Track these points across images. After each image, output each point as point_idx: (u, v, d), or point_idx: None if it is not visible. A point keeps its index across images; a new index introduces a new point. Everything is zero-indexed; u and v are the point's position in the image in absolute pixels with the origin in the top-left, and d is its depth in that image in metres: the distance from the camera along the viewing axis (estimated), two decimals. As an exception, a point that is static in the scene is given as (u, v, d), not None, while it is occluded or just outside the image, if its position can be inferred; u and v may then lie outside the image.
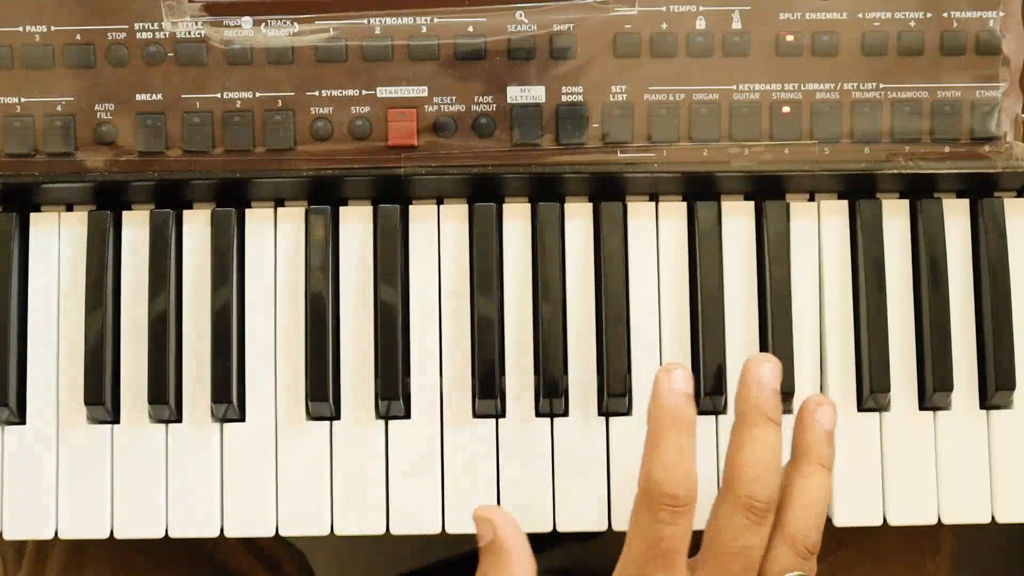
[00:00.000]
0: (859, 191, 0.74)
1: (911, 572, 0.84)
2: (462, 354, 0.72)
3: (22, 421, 0.72)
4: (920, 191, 0.74)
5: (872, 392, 0.72)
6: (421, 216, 0.73)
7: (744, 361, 0.69)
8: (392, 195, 0.73)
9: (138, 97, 0.71)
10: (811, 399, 0.66)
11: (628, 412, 0.72)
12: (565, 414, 0.72)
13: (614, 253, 0.72)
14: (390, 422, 0.72)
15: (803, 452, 0.66)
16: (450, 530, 0.72)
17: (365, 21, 0.71)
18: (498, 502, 0.72)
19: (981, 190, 0.74)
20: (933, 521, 0.72)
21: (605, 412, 0.72)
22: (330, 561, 1.04)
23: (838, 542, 0.82)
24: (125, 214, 0.73)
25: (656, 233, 0.73)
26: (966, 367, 0.73)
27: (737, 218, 0.73)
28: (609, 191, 0.73)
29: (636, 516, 0.64)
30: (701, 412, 0.72)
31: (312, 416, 0.72)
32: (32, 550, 0.84)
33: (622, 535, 0.71)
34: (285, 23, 0.71)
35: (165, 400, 0.71)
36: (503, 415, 0.72)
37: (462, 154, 0.71)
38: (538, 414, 0.72)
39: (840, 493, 0.72)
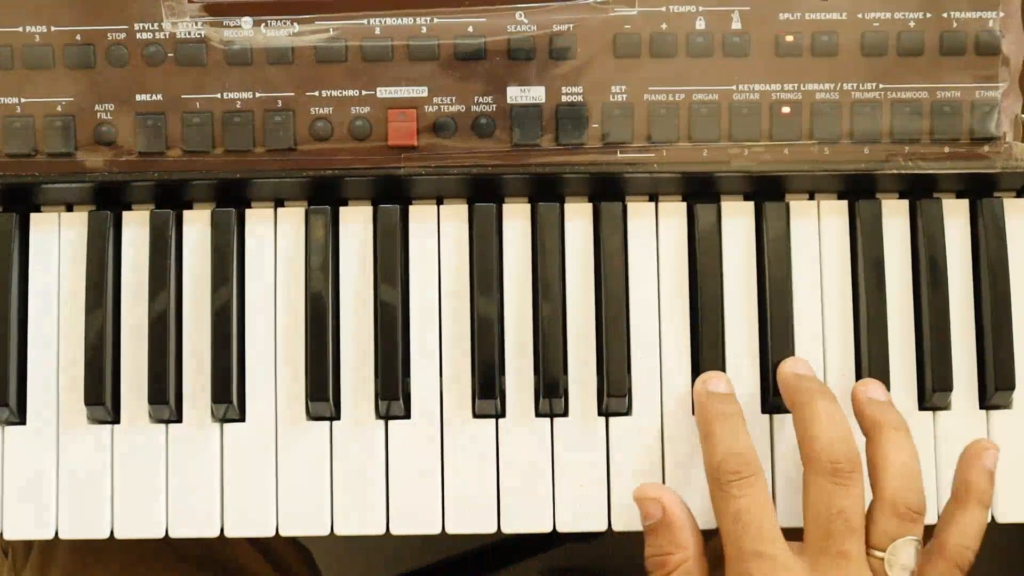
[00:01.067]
0: (859, 191, 0.74)
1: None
2: (462, 354, 0.72)
3: (22, 421, 0.72)
4: (920, 191, 0.74)
5: (872, 392, 0.72)
6: (421, 216, 0.73)
7: (745, 361, 0.70)
8: (392, 195, 0.73)
9: (138, 97, 0.71)
10: (857, 384, 0.71)
11: (628, 412, 0.72)
12: (565, 414, 0.72)
13: (614, 253, 0.72)
14: (390, 422, 0.72)
15: (872, 424, 0.68)
16: (450, 530, 0.72)
17: (365, 21, 0.71)
18: (498, 502, 0.72)
19: (981, 190, 0.74)
20: (932, 521, 0.72)
21: (605, 412, 0.72)
22: (331, 560, 1.04)
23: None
24: (125, 214, 0.73)
25: (656, 233, 0.73)
26: (966, 367, 0.73)
27: (737, 218, 0.73)
28: (609, 191, 0.73)
29: (715, 505, 0.67)
30: (701, 412, 0.72)
31: (312, 416, 0.72)
32: (38, 548, 0.84)
33: (622, 535, 0.72)
34: (285, 23, 0.71)
35: (165, 400, 0.71)
36: (503, 415, 0.72)
37: (462, 154, 0.71)
38: (538, 414, 0.72)
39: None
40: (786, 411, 0.72)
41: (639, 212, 0.73)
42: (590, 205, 0.73)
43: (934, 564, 0.67)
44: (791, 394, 0.69)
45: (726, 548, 0.66)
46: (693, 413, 0.71)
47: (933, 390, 0.72)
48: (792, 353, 0.72)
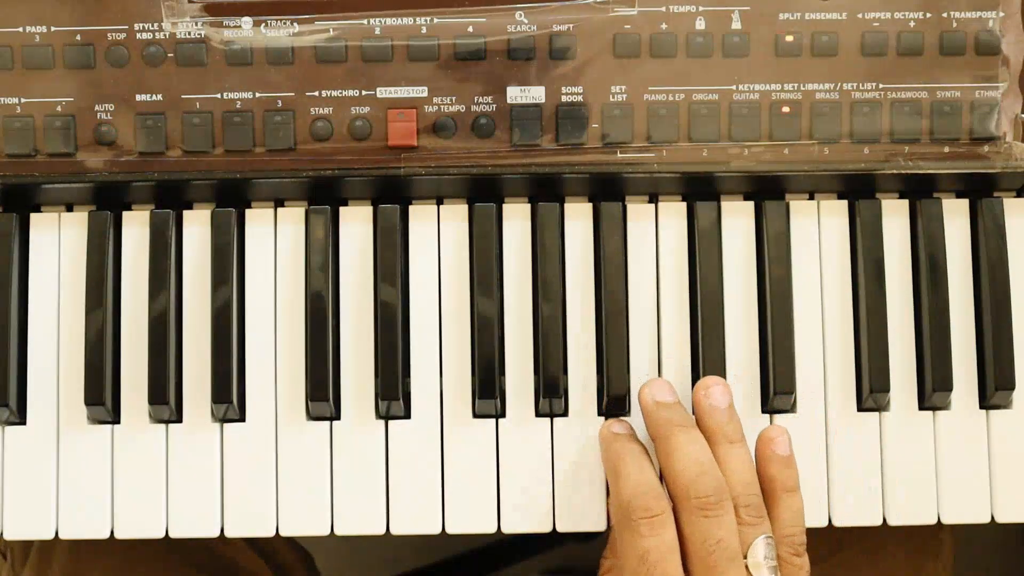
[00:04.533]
0: (859, 191, 0.74)
1: (911, 572, 0.84)
2: (462, 354, 0.72)
3: (22, 421, 0.72)
4: (920, 191, 0.74)
5: (872, 392, 0.72)
6: (421, 216, 0.73)
7: (745, 361, 0.70)
8: (392, 195, 0.73)
9: (138, 97, 0.71)
10: (699, 385, 0.70)
11: (627, 412, 0.72)
12: (565, 414, 0.72)
13: (614, 253, 0.72)
14: (390, 422, 0.72)
15: (710, 435, 0.68)
16: (450, 530, 0.72)
17: (365, 21, 0.71)
18: (498, 502, 0.72)
19: (981, 190, 0.74)
20: (933, 521, 0.72)
21: (604, 412, 0.72)
22: (331, 561, 1.04)
23: (838, 542, 0.82)
24: (125, 214, 0.73)
25: (656, 233, 0.73)
26: (966, 367, 0.73)
27: (737, 218, 0.73)
28: (609, 191, 0.73)
29: (621, 539, 0.67)
30: (701, 412, 0.72)
31: (312, 416, 0.72)
32: (37, 549, 0.84)
33: (622, 535, 0.71)
34: (285, 23, 0.71)
35: (165, 400, 0.71)
36: (503, 415, 0.72)
37: (462, 154, 0.71)
38: (538, 414, 0.72)
39: (840, 493, 0.72)
40: (785, 411, 0.72)
41: (639, 212, 0.73)
42: (590, 205, 0.73)
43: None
44: (651, 424, 0.69)
45: None
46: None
47: (933, 390, 0.72)
48: (791, 353, 0.72)
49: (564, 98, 0.71)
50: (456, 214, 0.73)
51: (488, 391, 0.71)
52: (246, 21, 0.71)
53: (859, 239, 0.73)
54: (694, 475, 0.66)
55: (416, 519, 0.72)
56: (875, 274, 0.72)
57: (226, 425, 0.72)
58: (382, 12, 0.71)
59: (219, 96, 0.71)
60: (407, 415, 0.72)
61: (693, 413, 0.70)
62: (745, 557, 0.66)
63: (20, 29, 0.71)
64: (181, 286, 0.73)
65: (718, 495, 0.66)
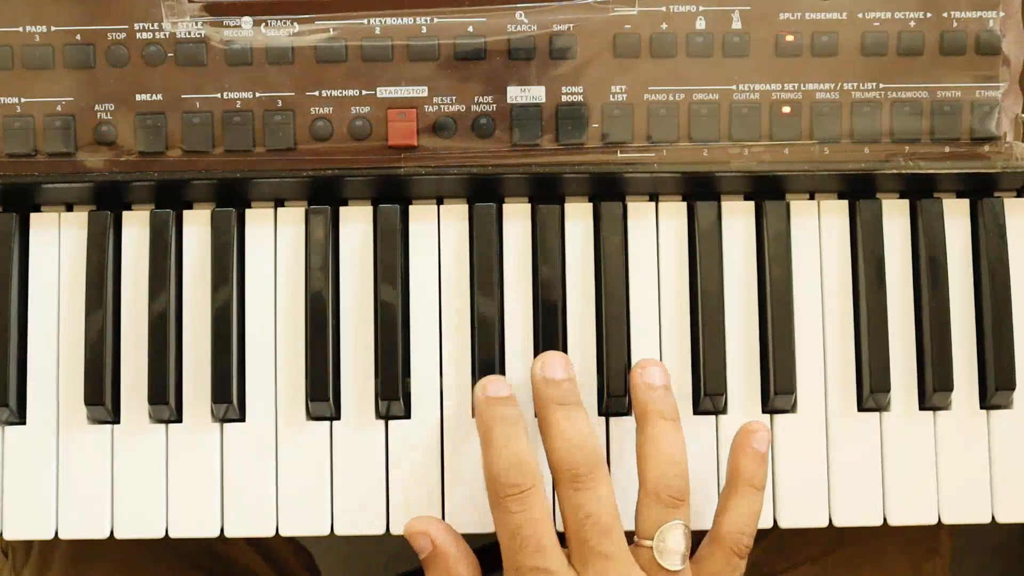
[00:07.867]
0: (859, 191, 0.74)
1: (911, 572, 0.84)
2: (462, 354, 0.72)
3: (22, 421, 0.72)
4: (920, 191, 0.74)
5: (872, 392, 0.72)
6: (421, 216, 0.73)
7: (745, 361, 0.70)
8: (392, 195, 0.73)
9: (138, 97, 0.71)
10: (635, 365, 0.69)
11: (628, 412, 0.72)
12: (565, 414, 0.72)
13: (614, 253, 0.72)
14: (390, 422, 0.72)
15: (641, 412, 0.68)
16: (450, 530, 0.72)
17: (365, 21, 0.71)
18: (498, 502, 0.72)
19: (981, 190, 0.74)
20: (933, 521, 0.72)
21: (605, 412, 0.72)
22: (331, 561, 1.04)
23: (838, 542, 0.82)
24: (125, 214, 0.73)
25: (656, 233, 0.73)
26: (966, 367, 0.73)
27: (737, 218, 0.73)
28: (609, 191, 0.73)
29: (494, 516, 0.66)
30: (701, 412, 0.72)
31: (312, 416, 0.72)
32: (38, 549, 0.84)
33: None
34: (285, 23, 0.71)
35: (165, 400, 0.71)
36: (503, 415, 0.72)
37: (462, 154, 0.71)
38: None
39: (840, 493, 0.72)
40: (785, 411, 0.72)
41: (639, 212, 0.73)
42: (590, 205, 0.73)
43: (711, 551, 0.67)
44: (536, 404, 0.69)
45: (504, 560, 0.67)
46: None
47: (933, 390, 0.72)
48: (792, 353, 0.72)
49: (564, 98, 0.71)
50: (456, 214, 0.73)
51: (488, 391, 0.71)
52: (246, 21, 0.71)
53: (859, 239, 0.73)
54: (566, 449, 0.66)
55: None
56: (875, 274, 0.72)
57: (226, 425, 0.72)
58: (382, 12, 0.71)
59: (219, 96, 0.71)
60: (407, 415, 0.72)
61: (639, 399, 0.69)
62: (651, 540, 0.65)
63: (20, 29, 0.71)
64: (181, 286, 0.73)
65: (589, 467, 0.65)
